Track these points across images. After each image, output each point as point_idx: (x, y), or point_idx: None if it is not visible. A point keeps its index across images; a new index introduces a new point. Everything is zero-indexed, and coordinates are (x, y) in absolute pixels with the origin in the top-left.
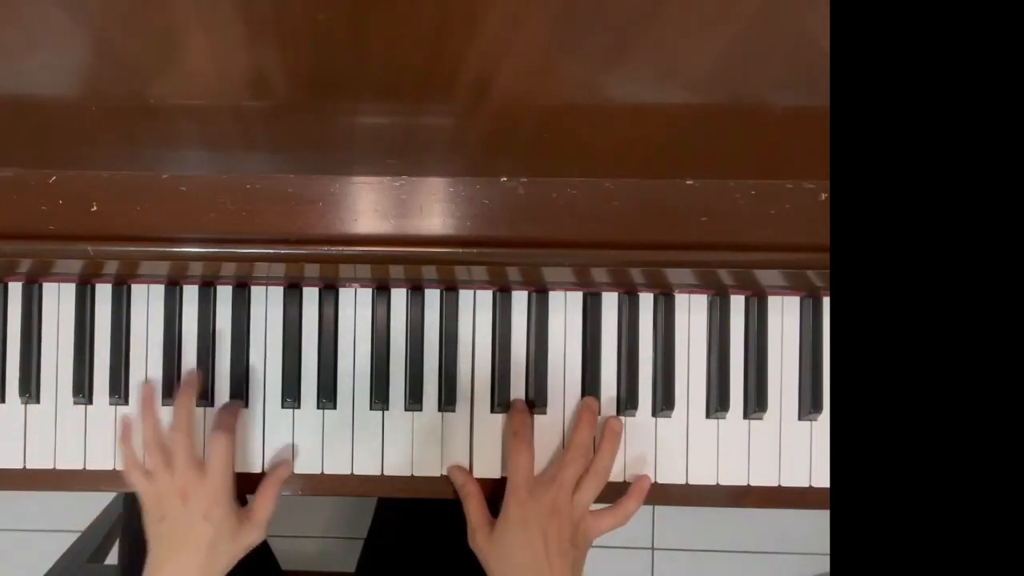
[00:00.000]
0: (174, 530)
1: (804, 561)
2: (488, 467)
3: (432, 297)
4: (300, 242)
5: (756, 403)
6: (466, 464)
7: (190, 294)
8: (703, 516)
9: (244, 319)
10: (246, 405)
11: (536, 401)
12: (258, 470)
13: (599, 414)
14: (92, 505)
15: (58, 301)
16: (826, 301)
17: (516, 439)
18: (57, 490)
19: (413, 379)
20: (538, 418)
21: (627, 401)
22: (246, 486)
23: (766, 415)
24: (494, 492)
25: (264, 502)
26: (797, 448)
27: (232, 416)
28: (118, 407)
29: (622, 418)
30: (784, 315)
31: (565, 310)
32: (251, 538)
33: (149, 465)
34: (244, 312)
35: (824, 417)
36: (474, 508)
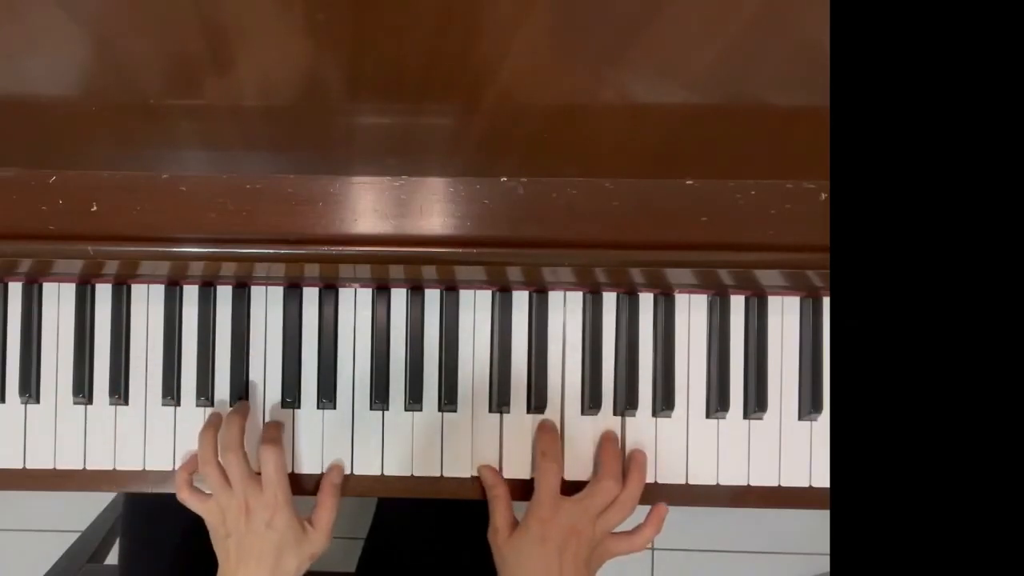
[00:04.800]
0: (241, 544)
1: (804, 561)
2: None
3: (432, 297)
4: (300, 242)
5: (756, 403)
6: (468, 464)
7: (190, 294)
8: (703, 516)
9: (244, 319)
10: None
11: (536, 401)
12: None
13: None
14: (92, 505)
15: (58, 301)
16: (826, 301)
17: (545, 459)
18: (57, 490)
19: (413, 379)
20: (538, 418)
21: (627, 401)
22: None
23: (766, 415)
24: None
25: (324, 509)
26: (797, 448)
27: (277, 429)
28: (118, 407)
29: (625, 418)
30: (784, 315)
31: (565, 310)
32: (316, 546)
33: (208, 486)
34: (244, 312)
35: (824, 417)
36: (501, 511)
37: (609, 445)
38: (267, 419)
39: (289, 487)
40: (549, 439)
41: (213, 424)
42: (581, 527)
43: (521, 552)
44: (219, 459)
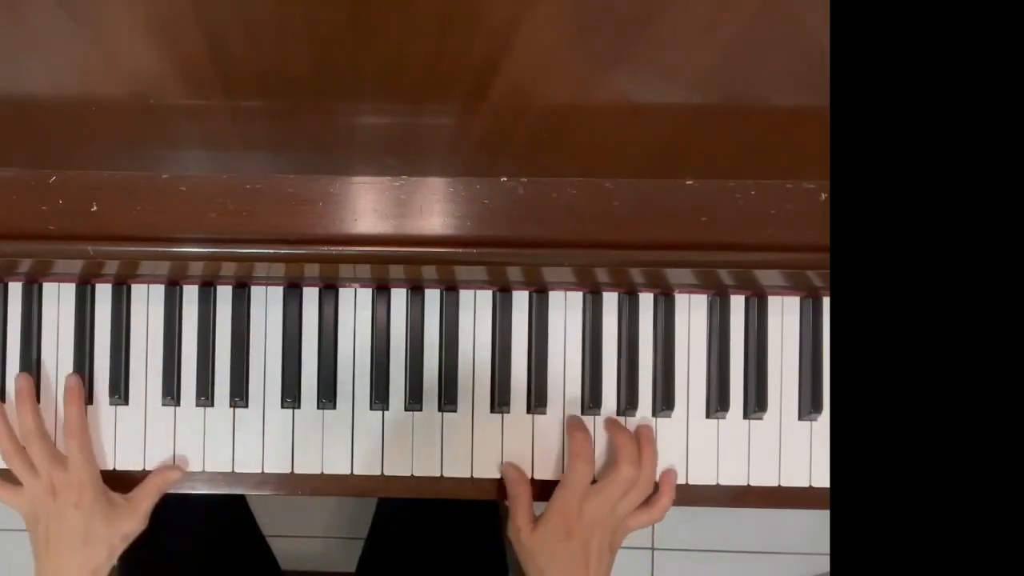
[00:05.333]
0: (50, 528)
1: (804, 561)
2: (488, 467)
3: (432, 297)
4: (300, 242)
5: (756, 403)
6: (468, 464)
7: (190, 294)
8: (703, 516)
9: (244, 319)
10: (246, 405)
11: (536, 401)
12: (258, 470)
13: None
14: None
15: (58, 301)
16: (826, 301)
17: (578, 459)
18: None
19: (413, 379)
20: (538, 418)
21: (627, 401)
22: (247, 486)
23: (766, 415)
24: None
25: (144, 491)
26: (797, 448)
27: (77, 414)
28: (118, 407)
29: (621, 418)
30: (784, 315)
31: (565, 310)
32: (129, 526)
33: (16, 474)
34: (244, 312)
35: (824, 417)
36: (521, 509)
37: (619, 430)
38: (267, 421)
39: (96, 466)
40: (582, 438)
41: (2, 415)
42: (604, 516)
43: (548, 547)
44: (22, 446)
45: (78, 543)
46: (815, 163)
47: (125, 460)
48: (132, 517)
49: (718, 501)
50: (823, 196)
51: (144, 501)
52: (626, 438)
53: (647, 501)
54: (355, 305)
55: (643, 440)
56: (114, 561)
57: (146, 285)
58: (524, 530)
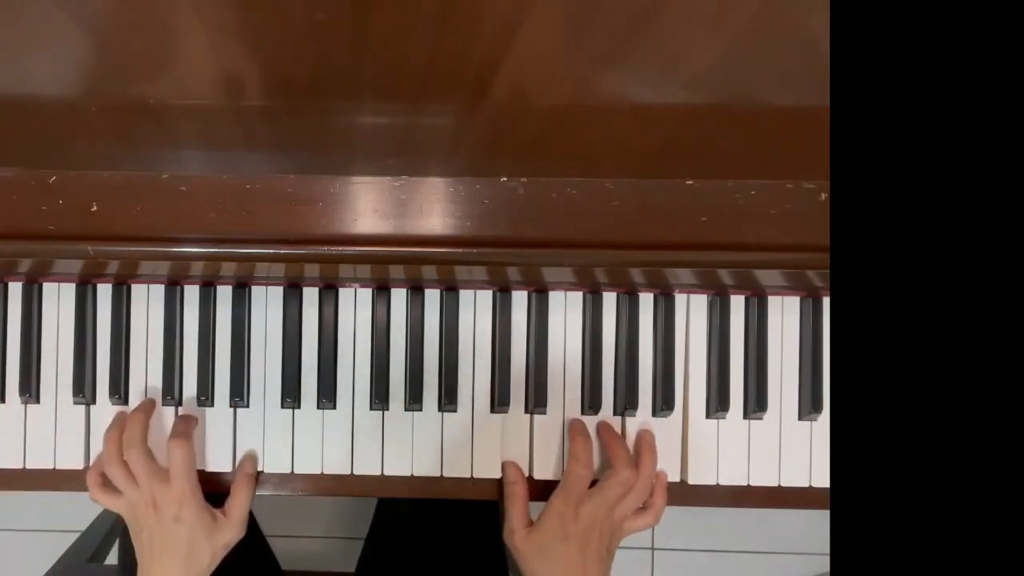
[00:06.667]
0: (152, 539)
1: (804, 561)
2: (488, 467)
3: (432, 297)
4: (300, 242)
5: (756, 403)
6: (467, 464)
7: (190, 294)
8: (703, 516)
9: (244, 319)
10: (247, 405)
11: (536, 401)
12: (259, 470)
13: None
14: (92, 505)
15: (58, 301)
16: (826, 301)
17: (577, 464)
18: (57, 490)
19: (413, 379)
20: (538, 418)
21: (627, 401)
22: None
23: (766, 415)
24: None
25: (237, 499)
26: (797, 448)
27: (187, 423)
28: (118, 407)
29: (617, 419)
30: (784, 315)
31: (565, 310)
32: (228, 536)
33: (114, 482)
34: (244, 312)
35: (824, 417)
36: (517, 509)
37: (613, 435)
38: (267, 421)
39: (196, 479)
40: (582, 442)
41: (118, 424)
42: (601, 519)
43: (544, 550)
44: (123, 456)
45: (181, 554)
46: (815, 163)
47: None
48: (230, 528)
49: (718, 501)
50: (823, 196)
51: (237, 511)
52: (619, 443)
53: (643, 504)
54: (355, 305)
55: (644, 444)
56: (216, 565)
57: (146, 285)
58: (519, 532)
